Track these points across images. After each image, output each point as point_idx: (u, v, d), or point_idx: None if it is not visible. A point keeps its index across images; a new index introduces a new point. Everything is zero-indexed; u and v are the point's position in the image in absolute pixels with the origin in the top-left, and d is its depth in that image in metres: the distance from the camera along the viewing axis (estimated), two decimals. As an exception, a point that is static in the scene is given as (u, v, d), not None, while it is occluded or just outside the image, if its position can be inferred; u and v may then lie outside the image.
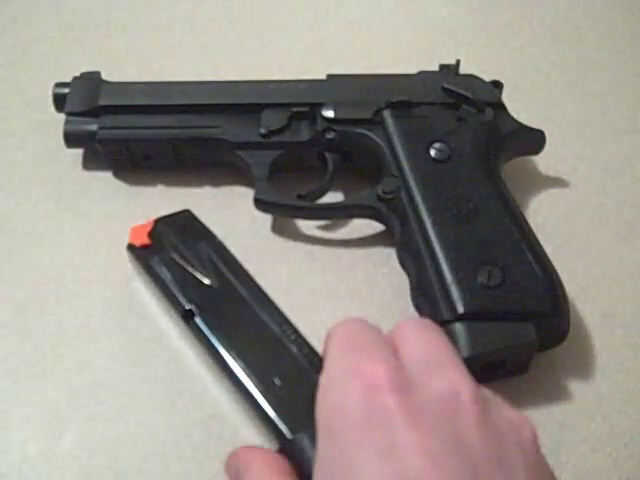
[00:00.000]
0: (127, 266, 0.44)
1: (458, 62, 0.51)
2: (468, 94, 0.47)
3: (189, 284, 0.40)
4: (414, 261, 0.42)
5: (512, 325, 0.39)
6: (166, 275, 0.40)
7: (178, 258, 0.41)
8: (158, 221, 0.43)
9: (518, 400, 0.41)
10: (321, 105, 0.48)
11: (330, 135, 0.48)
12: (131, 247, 0.43)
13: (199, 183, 0.50)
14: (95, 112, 0.49)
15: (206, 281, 0.40)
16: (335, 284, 0.46)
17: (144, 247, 0.42)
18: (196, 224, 0.43)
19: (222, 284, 0.39)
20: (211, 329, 0.37)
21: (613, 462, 0.39)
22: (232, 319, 0.38)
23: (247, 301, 0.39)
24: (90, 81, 0.51)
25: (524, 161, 0.51)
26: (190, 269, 0.40)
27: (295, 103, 0.49)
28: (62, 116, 0.50)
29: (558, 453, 0.39)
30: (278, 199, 0.47)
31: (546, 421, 0.40)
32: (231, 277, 0.40)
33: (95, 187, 0.50)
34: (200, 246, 0.41)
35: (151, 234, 0.42)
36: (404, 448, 0.24)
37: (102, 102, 0.49)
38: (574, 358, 0.42)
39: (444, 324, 0.39)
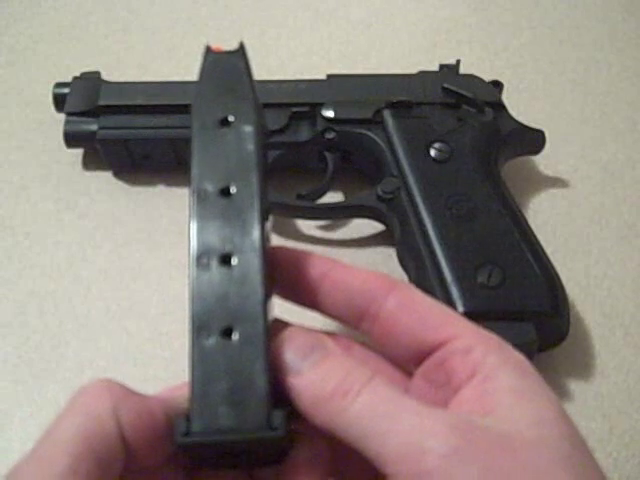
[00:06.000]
0: (127, 265, 0.44)
1: (458, 62, 0.51)
2: (468, 94, 0.47)
3: None
4: (414, 261, 0.42)
5: (512, 325, 0.39)
6: None
7: None
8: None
9: (518, 400, 0.41)
10: (321, 105, 0.48)
11: (330, 135, 0.48)
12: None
13: (199, 183, 0.50)
14: (95, 112, 0.49)
15: None
16: (335, 284, 0.45)
17: None
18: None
19: None
20: None
21: (613, 462, 0.39)
22: None
23: None
24: (90, 81, 0.51)
25: (524, 161, 0.51)
26: None
27: (295, 103, 0.49)
28: (62, 116, 0.50)
29: (558, 453, 0.39)
30: (278, 199, 0.47)
31: (546, 421, 0.40)
32: None
33: (95, 187, 0.50)
34: None
35: None
36: None
37: (102, 102, 0.49)
38: (574, 358, 0.42)
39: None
